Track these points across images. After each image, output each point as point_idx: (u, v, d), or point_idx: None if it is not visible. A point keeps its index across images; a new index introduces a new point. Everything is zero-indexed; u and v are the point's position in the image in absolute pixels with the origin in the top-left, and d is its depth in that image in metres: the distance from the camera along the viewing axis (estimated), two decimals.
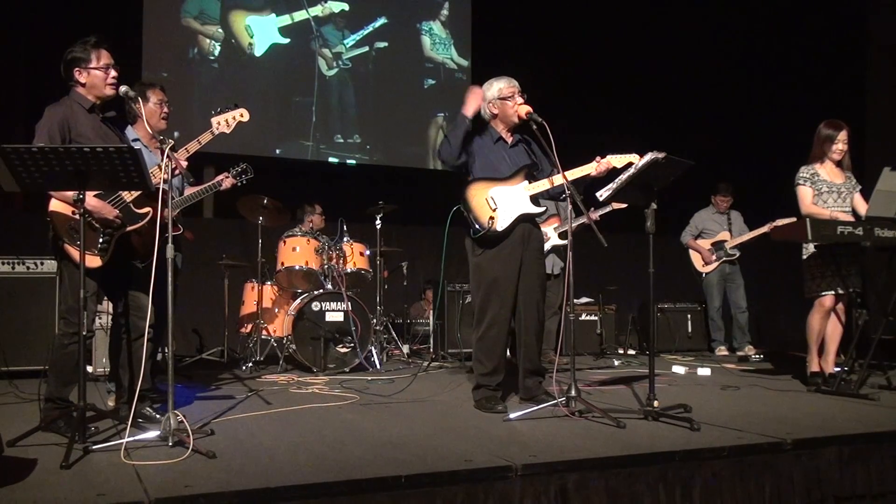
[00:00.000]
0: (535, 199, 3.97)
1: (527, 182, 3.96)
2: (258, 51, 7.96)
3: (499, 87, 4.00)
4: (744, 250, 7.09)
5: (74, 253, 3.17)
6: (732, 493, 2.83)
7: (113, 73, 3.39)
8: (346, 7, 8.36)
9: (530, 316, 3.96)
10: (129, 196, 3.35)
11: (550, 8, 8.83)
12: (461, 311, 6.51)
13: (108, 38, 3.45)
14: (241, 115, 3.62)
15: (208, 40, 7.76)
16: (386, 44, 8.57)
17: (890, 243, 4.40)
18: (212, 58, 7.79)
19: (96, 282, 3.30)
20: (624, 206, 5.53)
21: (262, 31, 7.98)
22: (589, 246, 3.92)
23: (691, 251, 7.25)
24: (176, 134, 6.23)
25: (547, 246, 5.38)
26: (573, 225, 5.69)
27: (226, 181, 4.30)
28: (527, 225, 3.97)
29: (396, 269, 6.96)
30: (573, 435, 3.14)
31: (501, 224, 3.87)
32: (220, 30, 7.81)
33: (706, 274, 7.17)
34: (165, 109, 4.08)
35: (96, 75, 3.35)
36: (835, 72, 8.93)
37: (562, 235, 5.70)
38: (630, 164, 3.77)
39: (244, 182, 4.48)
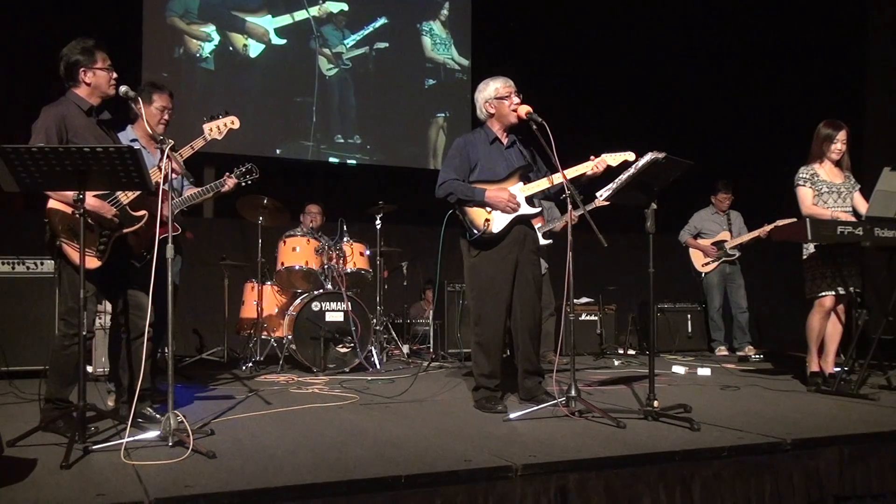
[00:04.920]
0: (530, 200, 3.97)
1: (522, 183, 3.95)
2: (253, 52, 7.94)
3: (495, 86, 3.99)
4: (744, 250, 7.09)
5: (72, 253, 3.16)
6: (732, 493, 2.83)
7: (114, 73, 3.40)
8: (345, 7, 8.36)
9: (526, 316, 3.95)
10: (125, 198, 3.35)
11: (550, 8, 8.83)
12: (461, 311, 6.51)
13: (108, 38, 3.46)
14: (232, 123, 3.67)
15: (201, 41, 7.75)
16: (386, 44, 8.56)
17: (890, 243, 4.39)
18: (209, 58, 7.78)
19: (94, 282, 3.29)
20: (607, 203, 5.52)
21: (258, 33, 7.97)
22: (588, 246, 3.91)
23: (691, 250, 7.24)
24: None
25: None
26: (558, 226, 5.74)
27: (228, 181, 4.25)
28: (522, 226, 3.96)
29: (396, 269, 6.96)
30: (573, 435, 3.14)
31: (497, 226, 3.87)
32: (218, 30, 7.81)
33: (706, 274, 7.16)
34: (166, 116, 4.08)
35: (102, 76, 3.36)
36: (835, 72, 8.93)
37: (546, 236, 5.69)
38: (625, 162, 3.77)
39: (249, 182, 4.45)
